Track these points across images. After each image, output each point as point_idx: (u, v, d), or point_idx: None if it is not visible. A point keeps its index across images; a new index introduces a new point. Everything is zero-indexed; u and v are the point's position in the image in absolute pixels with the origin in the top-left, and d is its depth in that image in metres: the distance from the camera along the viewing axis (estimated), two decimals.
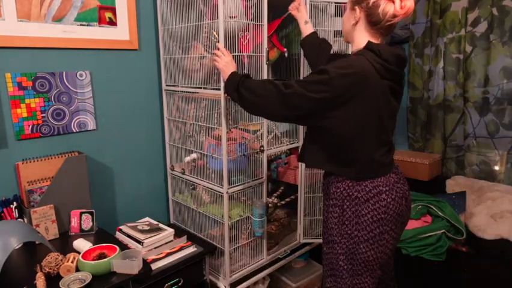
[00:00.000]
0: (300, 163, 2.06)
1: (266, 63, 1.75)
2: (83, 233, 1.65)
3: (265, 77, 1.76)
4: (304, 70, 1.94)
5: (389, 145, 1.33)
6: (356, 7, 1.28)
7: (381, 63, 1.20)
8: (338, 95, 1.18)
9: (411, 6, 1.22)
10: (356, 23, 1.30)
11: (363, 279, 1.34)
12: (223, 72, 1.53)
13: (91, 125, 1.81)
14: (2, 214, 1.53)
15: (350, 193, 1.29)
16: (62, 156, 1.66)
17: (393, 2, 1.22)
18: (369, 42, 1.27)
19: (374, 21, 1.26)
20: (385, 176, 1.29)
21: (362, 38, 1.30)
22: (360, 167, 1.27)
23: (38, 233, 1.47)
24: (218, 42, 1.58)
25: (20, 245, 1.43)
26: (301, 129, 2.04)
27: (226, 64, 1.52)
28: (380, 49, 1.22)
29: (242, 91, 1.38)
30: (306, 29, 1.75)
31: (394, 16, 1.23)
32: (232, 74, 1.48)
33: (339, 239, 1.34)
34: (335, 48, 2.05)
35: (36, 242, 1.52)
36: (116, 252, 1.40)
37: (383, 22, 1.25)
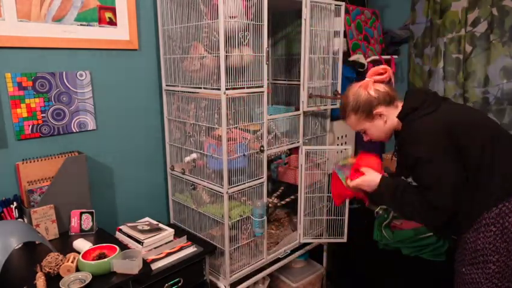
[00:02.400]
0: (300, 164, 2.06)
1: (266, 63, 1.75)
2: (83, 233, 1.65)
3: (265, 76, 1.76)
4: (305, 70, 1.93)
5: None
6: (376, 116, 1.41)
7: (426, 108, 1.34)
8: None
9: (377, 69, 1.43)
10: (386, 121, 1.43)
11: None
12: (369, 188, 1.48)
13: (91, 125, 1.81)
14: (2, 214, 1.53)
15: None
16: (62, 156, 1.66)
17: (367, 87, 1.41)
18: (399, 114, 1.41)
19: (387, 99, 1.41)
20: None
21: (393, 120, 1.43)
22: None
23: (38, 233, 1.47)
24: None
25: (20, 245, 1.43)
26: (300, 129, 2.03)
27: (369, 183, 1.47)
28: (406, 106, 1.38)
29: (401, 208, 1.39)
30: None
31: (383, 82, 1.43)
32: (381, 191, 1.43)
33: (496, 258, 1.29)
34: (335, 48, 2.05)
35: (37, 242, 1.51)
36: (116, 252, 1.40)
37: (383, 94, 1.41)
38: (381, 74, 1.42)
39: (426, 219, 1.35)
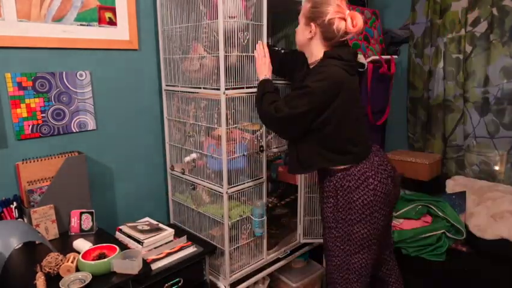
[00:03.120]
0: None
1: None
2: (83, 233, 1.65)
3: None
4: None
5: (365, 129, 1.54)
6: (312, 23, 1.45)
7: (346, 64, 1.42)
8: (323, 102, 1.38)
9: (361, 25, 1.42)
10: (312, 37, 1.48)
11: (361, 255, 1.50)
12: (257, 71, 1.65)
13: (91, 125, 1.81)
14: (2, 214, 1.53)
15: (342, 184, 1.47)
16: (62, 156, 1.66)
17: (345, 20, 1.41)
18: (326, 52, 1.46)
19: (328, 37, 1.45)
20: (369, 160, 1.48)
21: (318, 50, 1.49)
22: (349, 154, 1.47)
23: (38, 232, 1.47)
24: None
25: (20, 245, 1.43)
26: None
27: (262, 64, 1.63)
28: (339, 53, 1.43)
29: (261, 104, 1.51)
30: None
31: (346, 33, 1.43)
32: (264, 81, 1.59)
33: (335, 225, 1.51)
34: None
35: (37, 242, 1.52)
36: (116, 252, 1.40)
37: (336, 38, 1.44)
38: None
39: (262, 107, 1.49)
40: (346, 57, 1.43)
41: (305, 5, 1.49)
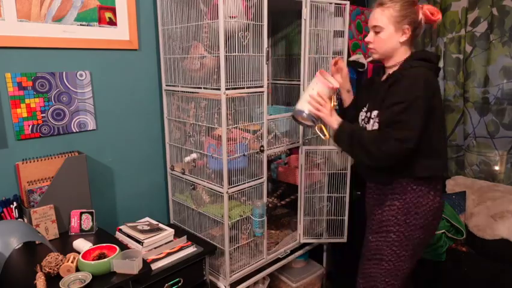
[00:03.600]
0: (300, 164, 2.06)
1: (266, 63, 1.75)
2: (83, 233, 1.65)
3: (265, 76, 1.76)
4: (305, 70, 1.93)
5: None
6: (405, 25, 1.40)
7: (433, 66, 1.41)
8: (428, 106, 1.33)
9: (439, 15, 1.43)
10: (405, 40, 1.42)
11: (411, 262, 1.49)
12: (327, 121, 1.51)
13: (91, 125, 1.81)
14: (2, 214, 1.53)
15: (414, 187, 1.42)
16: (62, 156, 1.66)
17: (424, 11, 1.42)
18: (415, 53, 1.44)
19: (417, 34, 1.45)
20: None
21: (405, 51, 1.45)
22: (435, 159, 1.43)
23: (38, 233, 1.47)
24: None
25: (20, 245, 1.43)
26: (300, 129, 2.04)
27: (329, 113, 1.50)
28: (428, 56, 1.42)
29: (368, 147, 1.38)
30: (348, 98, 1.71)
31: (430, 22, 1.44)
32: (341, 127, 1.48)
33: (395, 228, 1.47)
34: (335, 48, 2.04)
35: (37, 242, 1.52)
36: (116, 252, 1.40)
37: (421, 31, 1.46)
38: (432, 14, 1.43)
39: (382, 149, 1.34)
40: (434, 60, 1.43)
41: (388, 11, 1.40)
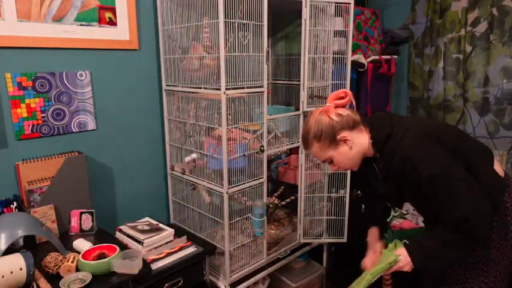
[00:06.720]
0: (300, 164, 2.06)
1: (266, 63, 1.75)
2: (83, 233, 1.65)
3: (265, 76, 1.76)
4: (304, 70, 1.93)
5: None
6: (338, 137, 1.29)
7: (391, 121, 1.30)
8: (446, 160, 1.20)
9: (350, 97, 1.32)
10: (351, 147, 1.31)
11: None
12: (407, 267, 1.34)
13: (91, 125, 1.81)
14: (2, 214, 1.53)
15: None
16: (62, 156, 1.66)
17: (332, 112, 1.30)
18: (372, 128, 1.32)
19: (351, 125, 1.30)
20: None
21: (364, 140, 1.32)
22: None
23: (48, 228, 1.48)
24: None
25: (22, 236, 1.46)
26: (300, 129, 2.03)
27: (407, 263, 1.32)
28: (382, 117, 1.34)
29: (447, 250, 1.22)
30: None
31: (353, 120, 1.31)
32: (415, 260, 1.30)
33: (499, 260, 1.28)
34: (335, 48, 2.05)
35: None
36: (116, 252, 1.40)
37: (355, 120, 1.31)
38: (342, 98, 1.32)
39: (467, 250, 1.23)
40: (386, 131, 1.28)
41: (316, 148, 1.33)
